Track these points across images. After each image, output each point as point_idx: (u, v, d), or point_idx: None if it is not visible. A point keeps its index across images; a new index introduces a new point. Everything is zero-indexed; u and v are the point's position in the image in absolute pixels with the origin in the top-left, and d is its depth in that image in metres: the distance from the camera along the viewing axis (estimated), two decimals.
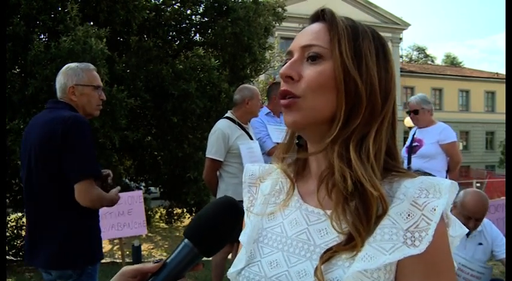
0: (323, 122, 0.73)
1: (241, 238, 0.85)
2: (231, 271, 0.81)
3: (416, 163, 4.02)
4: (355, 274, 0.65)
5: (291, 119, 0.74)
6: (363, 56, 0.73)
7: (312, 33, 0.76)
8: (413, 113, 4.11)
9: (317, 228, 0.75)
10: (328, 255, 0.69)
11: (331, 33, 0.74)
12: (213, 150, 3.50)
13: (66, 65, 2.28)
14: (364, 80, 0.72)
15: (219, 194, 3.52)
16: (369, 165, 0.70)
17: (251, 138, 3.61)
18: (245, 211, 0.89)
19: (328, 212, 0.73)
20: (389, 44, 30.54)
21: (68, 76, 2.21)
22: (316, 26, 0.77)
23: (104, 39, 5.85)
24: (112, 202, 2.25)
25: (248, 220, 0.86)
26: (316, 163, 0.79)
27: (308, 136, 0.79)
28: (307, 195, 0.81)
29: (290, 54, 0.78)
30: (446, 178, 3.98)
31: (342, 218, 0.69)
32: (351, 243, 0.67)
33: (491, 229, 3.11)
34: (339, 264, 0.68)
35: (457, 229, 0.72)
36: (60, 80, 2.23)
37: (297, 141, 0.84)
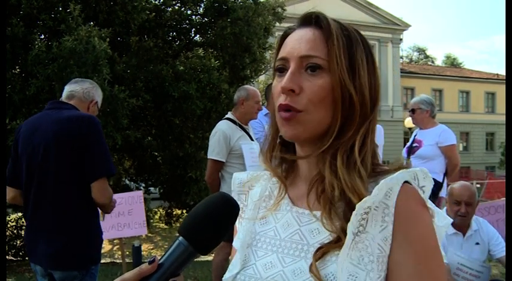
0: (320, 134, 0.76)
1: (234, 244, 0.86)
2: (226, 277, 0.81)
3: (414, 163, 4.04)
4: (345, 265, 0.67)
5: (292, 132, 0.75)
6: (357, 66, 0.75)
7: (308, 42, 0.75)
8: (411, 111, 4.18)
9: (309, 228, 0.76)
10: (321, 253, 0.71)
11: (328, 43, 0.74)
12: (214, 151, 3.50)
13: (93, 83, 2.50)
14: (358, 91, 0.74)
15: None
16: (356, 171, 0.72)
17: (252, 139, 3.61)
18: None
19: (318, 213, 0.75)
20: (390, 45, 30.22)
21: (95, 93, 2.45)
22: (312, 34, 0.76)
23: (107, 40, 5.86)
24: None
25: (240, 226, 0.87)
26: (307, 166, 0.80)
27: (300, 143, 0.80)
28: (297, 198, 0.82)
29: (285, 61, 0.77)
30: (444, 180, 4.00)
31: (331, 219, 0.72)
32: (340, 242, 0.70)
33: (487, 228, 3.13)
34: (332, 260, 0.70)
35: (441, 219, 0.77)
36: (90, 89, 2.42)
37: (279, 140, 0.83)
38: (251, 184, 0.91)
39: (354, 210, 0.69)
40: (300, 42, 0.76)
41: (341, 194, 0.72)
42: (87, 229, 2.21)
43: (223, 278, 0.82)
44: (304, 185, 0.80)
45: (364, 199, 0.68)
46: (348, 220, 0.69)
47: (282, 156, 0.83)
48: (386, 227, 0.69)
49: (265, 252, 0.80)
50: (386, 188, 0.69)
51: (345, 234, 0.69)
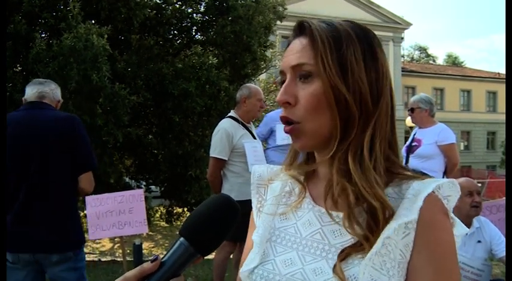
0: (326, 138, 0.76)
1: (253, 238, 0.85)
2: (244, 270, 0.82)
3: (413, 162, 4.04)
4: (368, 269, 0.68)
5: (298, 144, 0.78)
6: (349, 65, 0.73)
7: (297, 51, 0.77)
8: (410, 111, 4.17)
9: (331, 229, 0.77)
10: (345, 254, 0.71)
11: (313, 49, 0.75)
12: (217, 149, 3.49)
13: (55, 83, 2.68)
14: (352, 91, 0.73)
15: None
16: (370, 172, 0.72)
17: (254, 138, 3.61)
18: (255, 211, 0.91)
19: (340, 214, 0.75)
20: (391, 44, 30.10)
21: (59, 93, 2.65)
22: (300, 43, 0.77)
23: (105, 36, 5.86)
24: None
25: (259, 220, 0.87)
26: (324, 169, 0.80)
27: (315, 150, 0.82)
28: (318, 197, 0.82)
29: (282, 74, 0.79)
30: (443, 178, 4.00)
31: (352, 225, 0.72)
32: (362, 246, 0.70)
33: (488, 226, 3.12)
34: (355, 263, 0.70)
35: (459, 229, 0.76)
36: (55, 90, 2.62)
37: None
38: (271, 177, 0.91)
39: (376, 217, 0.70)
40: (291, 53, 0.78)
41: (357, 199, 0.71)
42: (75, 216, 2.53)
43: (240, 272, 0.82)
44: (324, 186, 0.80)
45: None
46: (370, 227, 0.70)
47: (303, 165, 0.85)
48: (409, 234, 0.70)
49: (284, 249, 0.80)
50: (419, 201, 0.70)
51: (367, 241, 0.70)
